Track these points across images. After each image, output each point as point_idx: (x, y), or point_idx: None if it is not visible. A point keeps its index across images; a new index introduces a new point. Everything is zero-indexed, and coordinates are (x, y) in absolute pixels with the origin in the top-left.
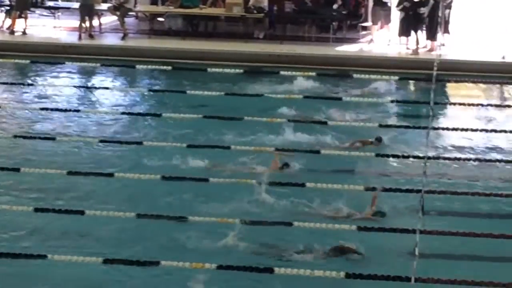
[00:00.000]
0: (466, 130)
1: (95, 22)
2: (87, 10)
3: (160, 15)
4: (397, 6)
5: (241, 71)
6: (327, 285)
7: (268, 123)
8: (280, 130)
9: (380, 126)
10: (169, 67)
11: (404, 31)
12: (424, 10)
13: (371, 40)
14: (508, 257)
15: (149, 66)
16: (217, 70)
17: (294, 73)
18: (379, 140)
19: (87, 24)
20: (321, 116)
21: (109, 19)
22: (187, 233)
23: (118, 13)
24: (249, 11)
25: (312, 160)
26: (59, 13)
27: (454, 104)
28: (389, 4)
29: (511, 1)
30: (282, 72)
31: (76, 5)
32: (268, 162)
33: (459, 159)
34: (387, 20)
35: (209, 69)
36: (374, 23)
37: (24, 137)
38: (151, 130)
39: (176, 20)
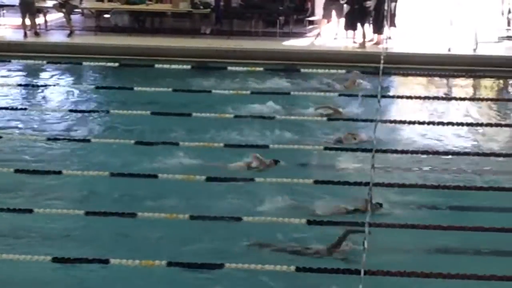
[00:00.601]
0: (414, 123)
1: (41, 19)
2: (27, 7)
3: (106, 11)
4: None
5: (189, 67)
6: (278, 279)
7: (217, 118)
8: (229, 125)
9: (329, 119)
10: (116, 64)
11: (350, 24)
12: (370, 4)
13: (319, 34)
14: (457, 248)
15: (96, 63)
16: (164, 66)
17: (241, 68)
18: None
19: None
20: (270, 111)
21: (55, 16)
22: (137, 230)
23: (63, 10)
24: (195, 6)
25: (262, 155)
26: (4, 11)
27: (402, 97)
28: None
29: None
30: (229, 68)
31: None
32: (217, 157)
33: (406, 151)
34: (339, 15)
35: (156, 65)
36: (325, 17)
37: None
38: (98, 127)
39: (122, 17)
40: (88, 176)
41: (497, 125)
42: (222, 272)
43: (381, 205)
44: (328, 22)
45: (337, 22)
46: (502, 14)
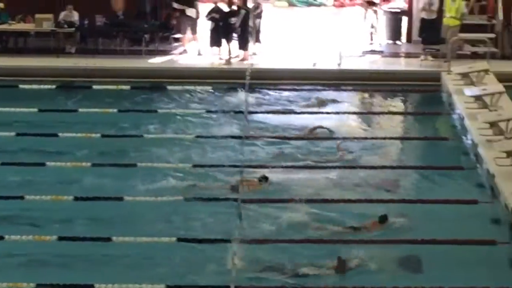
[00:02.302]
0: (283, 138)
1: None
2: None
3: None
4: (206, 16)
5: (54, 86)
6: None
7: (84, 138)
8: (95, 145)
9: (197, 137)
10: None
11: (215, 41)
12: (235, 20)
13: (184, 51)
14: (323, 263)
15: None
16: (29, 86)
17: (107, 87)
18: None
19: None
20: (136, 130)
21: None
22: (4, 253)
23: None
24: (59, 25)
25: (125, 172)
26: None
27: (268, 112)
28: (194, 16)
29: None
30: (95, 86)
31: None
32: (84, 177)
33: (274, 166)
34: (193, 31)
35: (21, 86)
36: (183, 33)
37: None
38: None
39: None
40: None
41: (362, 138)
42: None
43: None
44: (194, 39)
45: (195, 39)
46: (365, 28)
